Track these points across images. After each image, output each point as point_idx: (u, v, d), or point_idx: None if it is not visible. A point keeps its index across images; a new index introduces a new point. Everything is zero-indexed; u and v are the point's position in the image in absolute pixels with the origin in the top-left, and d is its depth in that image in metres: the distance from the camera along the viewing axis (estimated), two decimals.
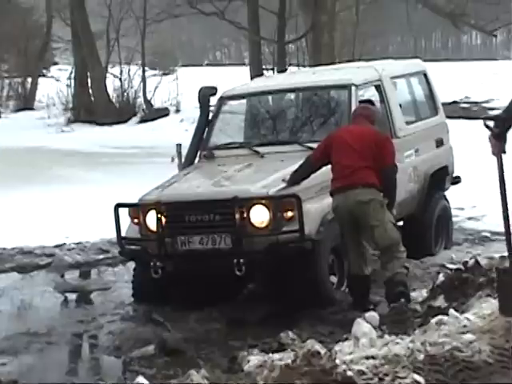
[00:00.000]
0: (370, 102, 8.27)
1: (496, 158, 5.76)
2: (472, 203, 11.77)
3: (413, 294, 7.27)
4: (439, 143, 9.89)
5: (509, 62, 34.69)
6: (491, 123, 5.75)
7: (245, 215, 7.45)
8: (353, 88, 8.66)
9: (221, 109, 9.30)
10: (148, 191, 8.19)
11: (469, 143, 13.97)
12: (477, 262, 6.62)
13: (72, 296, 9.12)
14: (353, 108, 8.47)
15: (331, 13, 21.56)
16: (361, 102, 8.26)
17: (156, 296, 7.89)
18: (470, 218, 11.52)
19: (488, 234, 10.66)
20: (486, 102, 24.33)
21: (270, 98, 9.40)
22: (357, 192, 7.33)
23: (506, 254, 6.69)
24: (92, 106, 27.46)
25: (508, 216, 5.83)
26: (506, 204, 5.89)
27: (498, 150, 5.74)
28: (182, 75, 30.23)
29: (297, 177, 7.73)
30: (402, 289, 7.14)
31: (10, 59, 31.92)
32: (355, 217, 7.40)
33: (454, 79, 25.06)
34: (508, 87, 21.27)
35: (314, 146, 8.29)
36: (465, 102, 24.18)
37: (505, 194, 5.96)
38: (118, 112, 27.26)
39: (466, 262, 6.74)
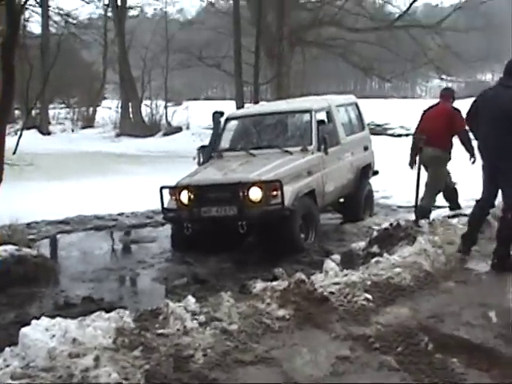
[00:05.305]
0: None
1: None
2: (384, 187, 11.76)
3: (353, 245, 7.09)
4: (365, 148, 9.91)
5: (396, 100, 34.66)
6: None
7: (246, 193, 7.39)
8: (313, 112, 8.64)
9: (226, 125, 9.19)
10: (181, 178, 8.04)
11: (378, 150, 14.04)
12: (398, 223, 6.62)
13: (131, 246, 9.03)
14: (314, 125, 8.46)
15: (288, 66, 21.70)
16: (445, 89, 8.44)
17: (187, 246, 7.85)
18: (383, 197, 11.53)
19: (395, 207, 10.74)
20: (385, 124, 24.80)
21: (260, 118, 9.22)
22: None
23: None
24: (132, 125, 27.34)
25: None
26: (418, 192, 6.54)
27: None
28: (189, 105, 30.22)
29: (413, 154, 7.68)
30: None
31: (78, 95, 31.91)
32: None
33: (364, 109, 25.27)
34: (395, 116, 23.40)
35: (289, 149, 8.27)
36: (371, 124, 24.51)
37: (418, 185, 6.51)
38: (149, 129, 26.99)
39: (391, 223, 6.74)
